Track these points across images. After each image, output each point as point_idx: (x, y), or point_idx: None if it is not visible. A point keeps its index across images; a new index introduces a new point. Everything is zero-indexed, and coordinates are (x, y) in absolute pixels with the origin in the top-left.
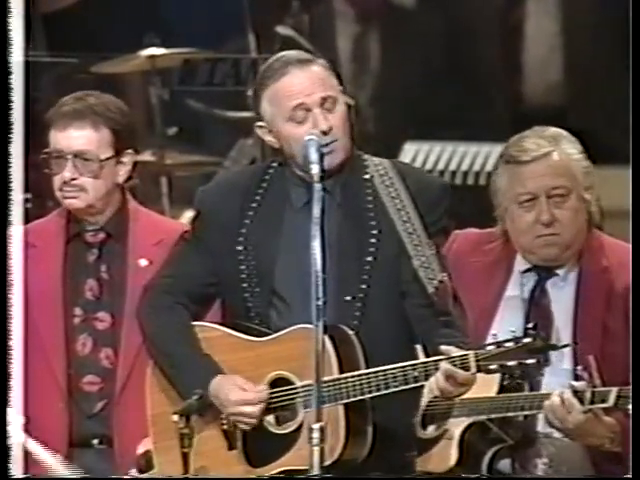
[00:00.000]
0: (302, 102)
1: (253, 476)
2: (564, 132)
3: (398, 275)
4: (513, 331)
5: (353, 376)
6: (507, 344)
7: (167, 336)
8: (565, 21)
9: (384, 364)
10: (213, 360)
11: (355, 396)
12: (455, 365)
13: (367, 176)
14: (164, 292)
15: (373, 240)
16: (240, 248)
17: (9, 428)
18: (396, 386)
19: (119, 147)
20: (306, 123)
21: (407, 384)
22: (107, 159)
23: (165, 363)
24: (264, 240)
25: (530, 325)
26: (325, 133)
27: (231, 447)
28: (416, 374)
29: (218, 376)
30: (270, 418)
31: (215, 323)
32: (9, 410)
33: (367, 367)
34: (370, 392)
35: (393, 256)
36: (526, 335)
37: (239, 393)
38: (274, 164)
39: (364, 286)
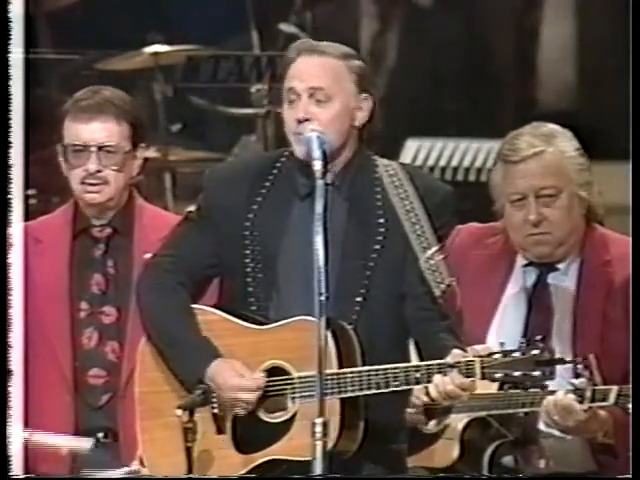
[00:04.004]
0: (292, 86)
1: (249, 467)
2: (560, 129)
3: (401, 276)
4: (521, 342)
5: (353, 372)
6: (514, 354)
7: (167, 317)
8: (578, 23)
9: (378, 362)
10: (212, 343)
11: (354, 392)
12: (460, 371)
13: (377, 175)
14: (166, 271)
15: (379, 238)
16: (246, 233)
17: (9, 427)
18: (396, 386)
19: (135, 140)
20: (295, 108)
21: (408, 384)
22: (128, 151)
23: (164, 343)
24: (270, 228)
25: (538, 337)
26: (300, 121)
27: (220, 431)
28: (418, 376)
29: (216, 360)
30: (262, 406)
31: (212, 304)
32: (10, 408)
33: (364, 363)
34: (369, 389)
35: (398, 256)
36: (534, 347)
37: (237, 379)
38: (286, 152)
39: (365, 282)
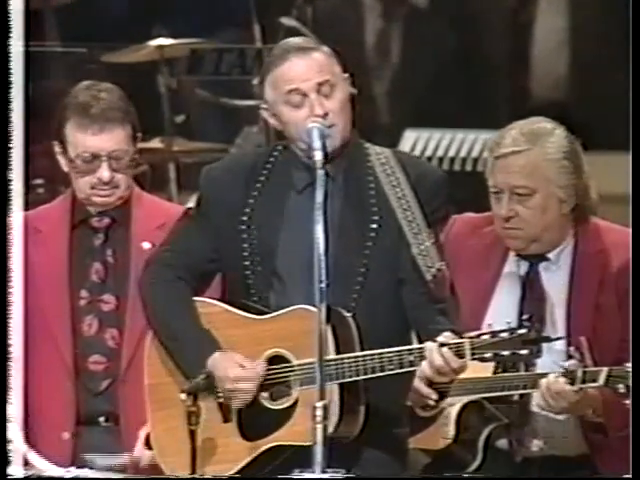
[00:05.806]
0: (297, 87)
1: (255, 454)
2: (554, 128)
3: (396, 262)
4: (508, 322)
5: (350, 357)
6: (502, 334)
7: (169, 310)
8: (572, 17)
9: (378, 348)
10: (213, 335)
11: (351, 377)
12: (451, 351)
13: (369, 164)
14: (166, 265)
15: (374, 226)
16: (243, 227)
17: (9, 428)
18: (391, 369)
19: (136, 136)
20: (303, 108)
21: (402, 368)
22: (133, 148)
23: (166, 336)
24: (267, 221)
25: (525, 317)
26: (321, 118)
27: (226, 419)
28: (412, 358)
29: (216, 353)
30: (265, 394)
31: (215, 299)
32: (10, 409)
33: (362, 350)
34: (365, 373)
35: (392, 243)
36: (521, 326)
37: (237, 370)
38: (279, 147)
39: (363, 270)
